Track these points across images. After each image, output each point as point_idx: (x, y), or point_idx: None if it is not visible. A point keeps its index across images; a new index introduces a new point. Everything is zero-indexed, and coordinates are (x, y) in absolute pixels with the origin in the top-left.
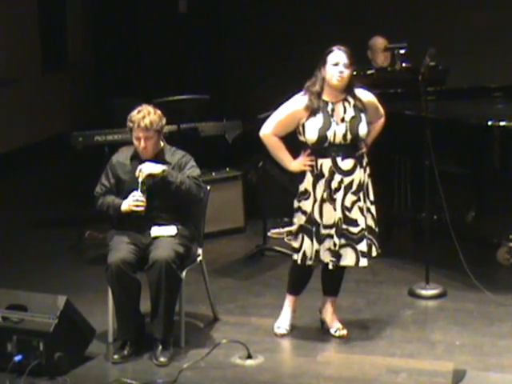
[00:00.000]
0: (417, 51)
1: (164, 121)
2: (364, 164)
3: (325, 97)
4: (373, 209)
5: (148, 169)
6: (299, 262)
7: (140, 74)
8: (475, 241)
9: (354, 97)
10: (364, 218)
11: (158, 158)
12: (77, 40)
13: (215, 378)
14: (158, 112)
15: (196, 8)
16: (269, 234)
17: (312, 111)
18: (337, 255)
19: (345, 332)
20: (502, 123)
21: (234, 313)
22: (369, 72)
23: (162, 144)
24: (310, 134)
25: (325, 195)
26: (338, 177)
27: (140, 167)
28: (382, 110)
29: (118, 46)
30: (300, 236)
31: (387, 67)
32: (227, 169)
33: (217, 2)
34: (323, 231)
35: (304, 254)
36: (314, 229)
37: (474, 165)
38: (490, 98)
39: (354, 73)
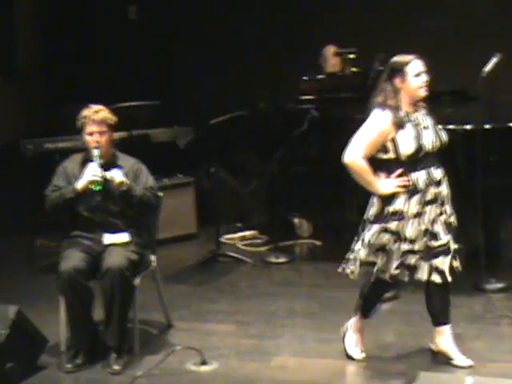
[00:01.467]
0: (366, 56)
1: (115, 119)
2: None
3: (404, 108)
4: (454, 223)
5: (120, 177)
6: (377, 278)
7: (91, 80)
8: None
9: (422, 104)
10: (445, 233)
11: (111, 163)
12: (26, 46)
13: None
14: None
15: (146, 14)
16: (222, 239)
17: (400, 125)
18: (413, 269)
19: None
20: (450, 126)
21: (188, 319)
22: (319, 77)
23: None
24: (406, 147)
25: (416, 209)
26: (432, 189)
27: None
28: None
29: (68, 52)
30: (380, 254)
31: (337, 72)
32: (179, 175)
33: (167, 9)
34: (405, 246)
35: (382, 270)
36: (397, 245)
37: None
38: (439, 102)
39: (307, 78)
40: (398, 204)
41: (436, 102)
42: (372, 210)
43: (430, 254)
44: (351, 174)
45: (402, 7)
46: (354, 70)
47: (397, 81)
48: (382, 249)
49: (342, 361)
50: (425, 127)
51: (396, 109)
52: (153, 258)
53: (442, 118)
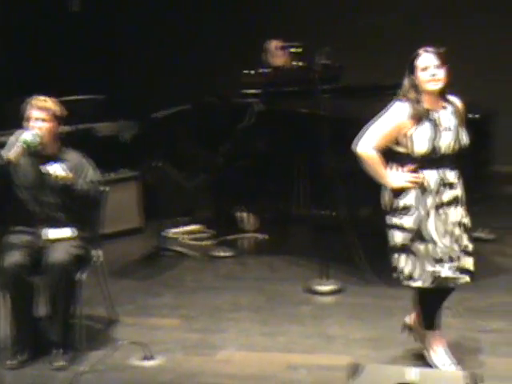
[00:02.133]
0: (311, 50)
1: (62, 112)
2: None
3: (425, 104)
4: (468, 224)
5: (60, 171)
6: (404, 283)
7: (34, 74)
8: (372, 236)
9: (451, 102)
10: (465, 236)
11: (56, 156)
12: None
13: (114, 381)
14: None
15: (89, 7)
16: (167, 233)
17: (418, 120)
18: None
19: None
20: None
21: (133, 314)
22: (264, 70)
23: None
24: (420, 146)
25: (434, 209)
26: (446, 190)
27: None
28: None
29: (10, 45)
30: (403, 256)
31: (281, 66)
32: (124, 169)
33: (110, 1)
34: (440, 251)
35: (411, 276)
36: (429, 246)
37: None
38: (384, 95)
39: (249, 72)
40: (409, 199)
41: (381, 95)
42: (382, 201)
43: (455, 255)
44: (362, 164)
45: (347, 3)
46: (298, 63)
47: (411, 76)
48: (402, 250)
49: (286, 354)
50: (446, 128)
51: (416, 102)
52: (97, 252)
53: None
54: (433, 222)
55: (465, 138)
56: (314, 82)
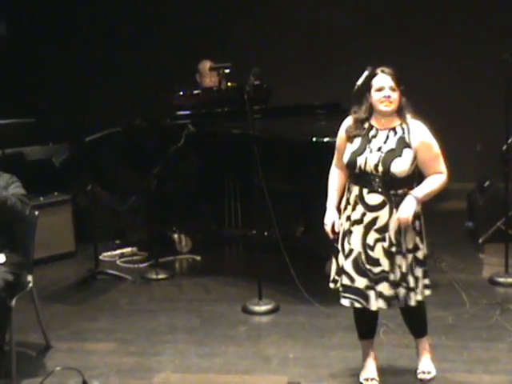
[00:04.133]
0: (242, 71)
1: None
2: (398, 205)
3: (372, 121)
4: (409, 256)
5: None
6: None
7: None
8: (305, 255)
9: (406, 129)
10: (389, 261)
11: None
12: None
13: None
14: None
15: (15, 30)
16: (100, 257)
17: (349, 135)
18: (364, 298)
19: (427, 376)
20: (325, 139)
21: (67, 339)
22: (195, 92)
23: None
24: (345, 157)
25: (347, 226)
26: (360, 208)
27: None
28: (442, 166)
29: None
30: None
31: (213, 87)
32: (55, 193)
33: (36, 25)
34: (340, 261)
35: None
36: (340, 256)
37: (300, 181)
38: (313, 115)
39: (181, 93)
40: (341, 204)
41: (310, 115)
42: None
43: (372, 280)
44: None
45: (275, 24)
46: (229, 84)
47: (368, 94)
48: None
49: (223, 375)
50: (376, 149)
51: (360, 122)
52: (29, 278)
53: (316, 130)
54: (344, 236)
55: (395, 165)
56: (245, 103)
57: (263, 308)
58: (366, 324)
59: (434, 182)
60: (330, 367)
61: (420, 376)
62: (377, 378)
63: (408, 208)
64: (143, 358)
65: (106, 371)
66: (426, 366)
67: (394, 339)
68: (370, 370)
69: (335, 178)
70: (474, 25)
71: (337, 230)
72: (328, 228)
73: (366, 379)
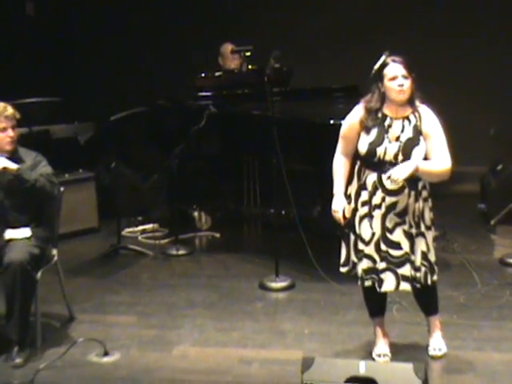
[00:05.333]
0: (263, 54)
1: (18, 115)
2: (419, 188)
3: (385, 110)
4: (429, 235)
5: (4, 162)
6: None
7: None
8: (321, 234)
9: (418, 116)
10: (410, 243)
11: (14, 156)
12: None
13: (72, 377)
14: None
15: (44, 10)
16: (123, 232)
17: (365, 127)
18: (378, 279)
19: (438, 353)
20: (342, 122)
21: (90, 311)
22: (216, 74)
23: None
24: (361, 147)
25: (365, 209)
26: (380, 193)
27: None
28: (448, 154)
29: None
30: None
31: (234, 70)
32: (80, 170)
33: (64, 5)
34: (360, 246)
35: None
36: (352, 237)
37: (318, 162)
38: (332, 98)
39: (203, 75)
40: (351, 189)
41: (328, 98)
42: None
43: (393, 263)
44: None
45: (295, 7)
46: (250, 67)
47: (380, 83)
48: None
49: (240, 349)
50: (394, 138)
51: (374, 112)
52: (54, 251)
53: (334, 113)
54: (360, 221)
55: (416, 154)
56: (265, 86)
57: (280, 285)
58: (375, 303)
59: (439, 164)
60: (343, 343)
61: (431, 353)
62: (389, 354)
63: (404, 170)
64: (163, 331)
65: (126, 343)
66: (438, 343)
67: (406, 317)
68: (381, 346)
69: (341, 165)
70: (487, 10)
71: (347, 215)
72: (340, 214)
73: (379, 355)
